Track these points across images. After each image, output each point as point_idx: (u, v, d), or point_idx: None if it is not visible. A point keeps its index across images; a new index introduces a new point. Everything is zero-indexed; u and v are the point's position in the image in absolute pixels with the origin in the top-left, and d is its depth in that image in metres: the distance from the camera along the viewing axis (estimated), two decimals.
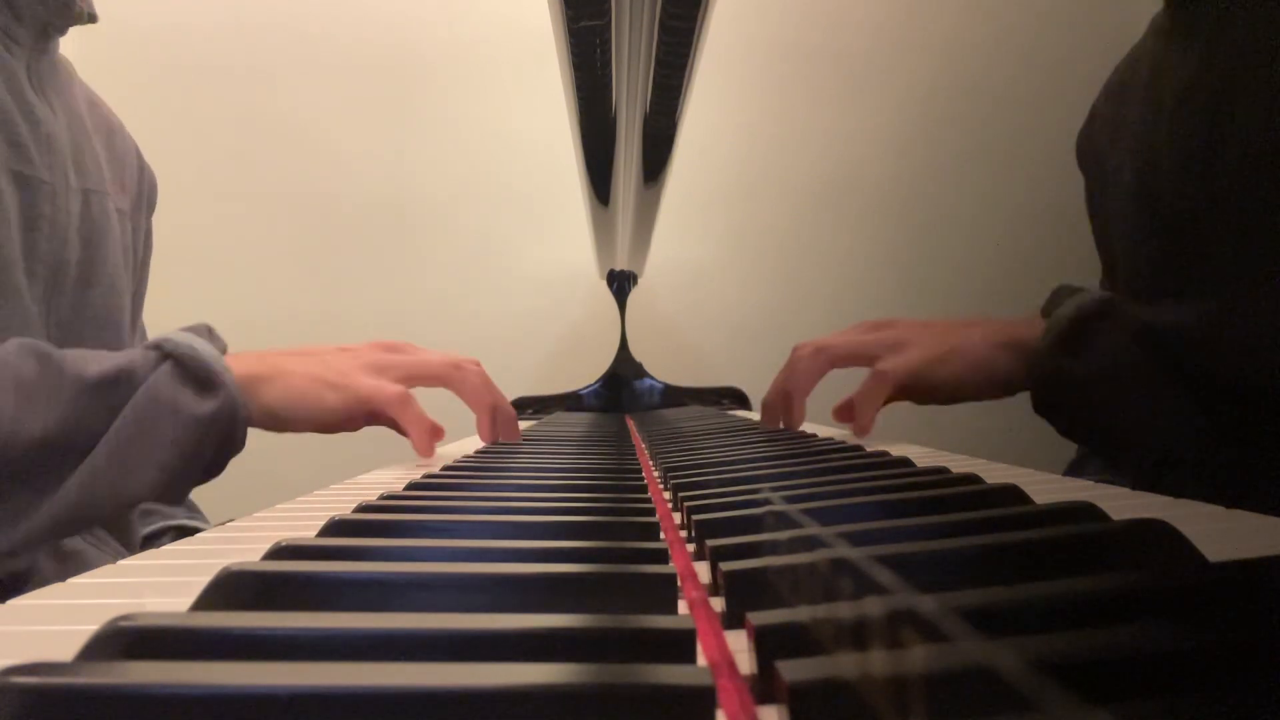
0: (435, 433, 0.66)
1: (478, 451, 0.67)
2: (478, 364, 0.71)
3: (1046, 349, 0.57)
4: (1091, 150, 0.78)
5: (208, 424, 0.55)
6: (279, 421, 0.61)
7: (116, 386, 0.53)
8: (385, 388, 0.62)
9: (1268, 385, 0.47)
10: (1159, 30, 0.69)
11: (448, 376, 0.67)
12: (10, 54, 0.63)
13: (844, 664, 0.15)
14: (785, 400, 0.71)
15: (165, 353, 0.56)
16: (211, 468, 0.58)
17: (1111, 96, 0.75)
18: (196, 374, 0.55)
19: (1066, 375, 0.56)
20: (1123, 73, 0.75)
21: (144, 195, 0.81)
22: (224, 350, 0.61)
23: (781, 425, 0.73)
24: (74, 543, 0.63)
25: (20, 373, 0.50)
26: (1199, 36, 0.62)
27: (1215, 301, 0.53)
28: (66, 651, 0.18)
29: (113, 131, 0.77)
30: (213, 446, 0.56)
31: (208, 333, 0.61)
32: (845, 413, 0.70)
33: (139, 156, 0.81)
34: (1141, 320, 0.53)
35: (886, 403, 0.67)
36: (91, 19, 0.71)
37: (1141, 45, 0.72)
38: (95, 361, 0.53)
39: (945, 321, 0.68)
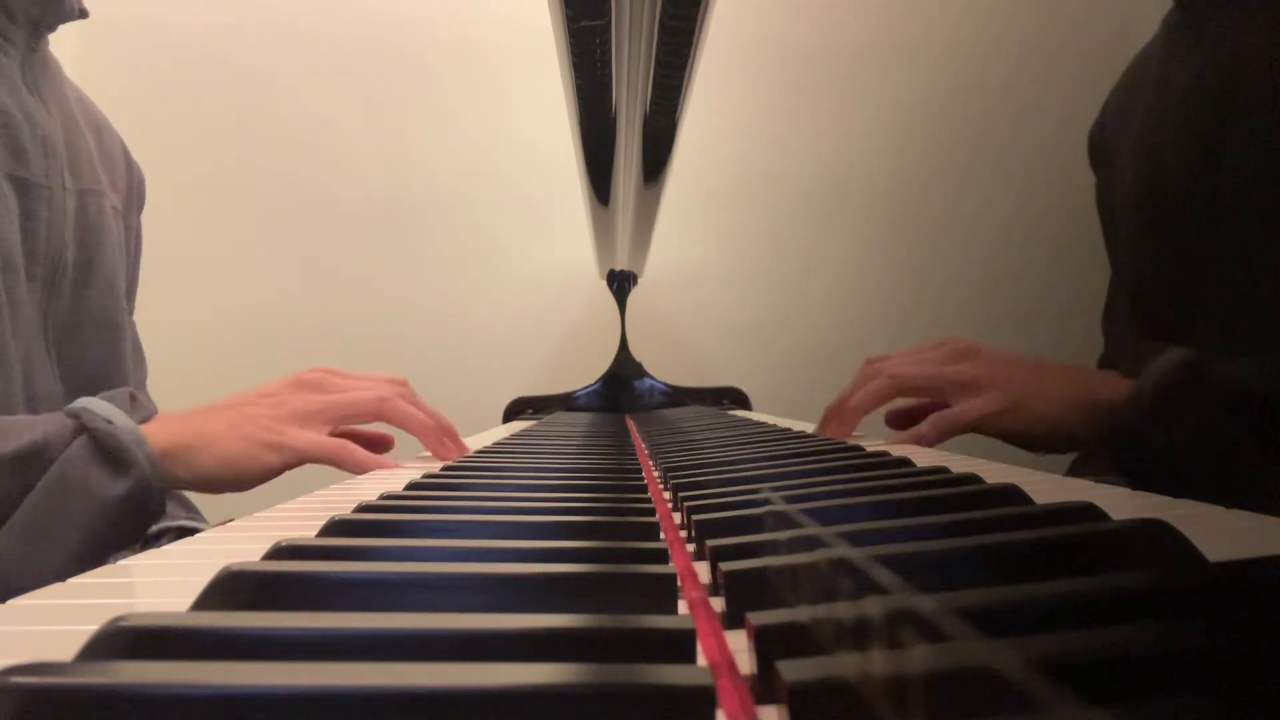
0: (383, 446, 0.67)
1: (477, 452, 0.67)
2: (404, 384, 0.69)
3: (1135, 416, 0.55)
4: (1102, 147, 0.78)
5: (118, 505, 0.53)
6: (214, 486, 0.60)
7: (30, 464, 0.51)
8: (324, 443, 0.62)
9: None
10: (1169, 27, 0.69)
11: (377, 411, 0.66)
12: (5, 55, 0.63)
13: (844, 664, 0.15)
14: (848, 415, 0.69)
15: (82, 424, 0.54)
16: (127, 541, 0.56)
17: (1122, 93, 0.75)
18: (111, 452, 0.53)
19: (1156, 444, 0.53)
20: (1134, 69, 0.75)
21: (133, 192, 0.81)
22: (149, 416, 0.60)
23: (833, 435, 0.70)
24: None
25: None
26: (1206, 34, 0.62)
27: None
28: (66, 651, 0.18)
29: (101, 129, 0.77)
30: (127, 524, 0.54)
31: (129, 400, 0.59)
32: (902, 423, 0.69)
33: (126, 153, 0.81)
34: (1234, 383, 0.51)
35: None
36: (83, 14, 0.71)
37: (1153, 42, 0.72)
38: (12, 435, 0.51)
39: (1027, 366, 0.65)
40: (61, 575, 0.49)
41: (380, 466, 0.62)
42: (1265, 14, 0.57)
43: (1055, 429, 0.60)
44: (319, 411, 0.63)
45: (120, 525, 0.54)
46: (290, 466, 0.62)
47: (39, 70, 0.67)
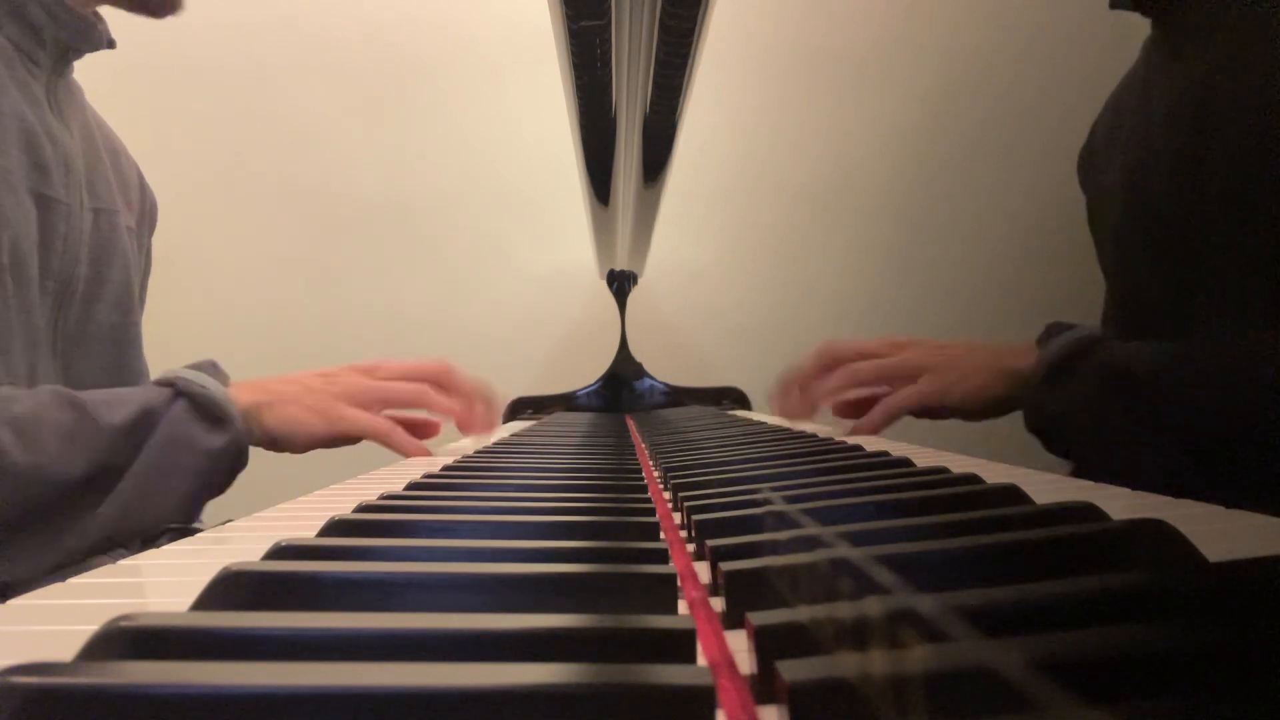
0: (429, 432, 0.74)
1: (478, 451, 0.67)
2: (447, 367, 0.74)
3: (1036, 381, 0.64)
4: (1091, 168, 0.79)
5: (220, 456, 0.61)
6: (275, 444, 0.68)
7: (139, 427, 0.58)
8: (371, 421, 0.69)
9: (1223, 426, 0.51)
10: (1149, 49, 0.70)
11: (419, 400, 0.73)
12: (32, 77, 0.66)
13: (844, 664, 0.15)
14: (808, 400, 0.78)
15: (178, 390, 0.61)
16: (223, 488, 0.65)
17: (1108, 115, 0.77)
18: (208, 411, 0.62)
19: (1051, 406, 0.63)
20: (1119, 92, 0.76)
21: (146, 215, 0.84)
22: (226, 383, 0.66)
23: (787, 414, 0.80)
24: None
25: (60, 420, 0.55)
26: (1184, 53, 0.63)
27: (1187, 346, 0.57)
28: (66, 651, 0.18)
29: (117, 153, 0.80)
30: (224, 472, 0.63)
31: (213, 368, 0.66)
32: (847, 410, 0.76)
33: (141, 177, 0.84)
34: (1119, 360, 0.58)
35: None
36: (111, 45, 0.73)
37: (1136, 64, 0.73)
38: (119, 405, 0.58)
39: (954, 349, 0.75)
40: (179, 515, 0.59)
41: (420, 453, 0.69)
42: (1240, 32, 0.58)
43: (985, 397, 0.70)
44: (366, 392, 0.71)
45: (220, 473, 0.63)
46: (338, 437, 0.69)
47: (63, 94, 0.70)
